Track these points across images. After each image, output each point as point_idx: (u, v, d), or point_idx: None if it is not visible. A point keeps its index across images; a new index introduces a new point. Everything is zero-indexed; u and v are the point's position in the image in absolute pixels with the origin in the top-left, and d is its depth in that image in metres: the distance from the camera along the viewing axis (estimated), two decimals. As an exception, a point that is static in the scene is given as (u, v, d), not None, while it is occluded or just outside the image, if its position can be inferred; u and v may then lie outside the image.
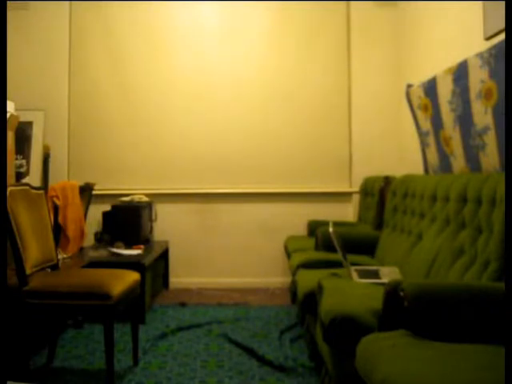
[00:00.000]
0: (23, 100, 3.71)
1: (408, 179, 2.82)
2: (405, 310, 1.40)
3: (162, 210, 3.98)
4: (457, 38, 2.83)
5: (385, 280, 2.08)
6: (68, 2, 4.03)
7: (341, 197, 4.09)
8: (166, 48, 4.07)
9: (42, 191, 2.40)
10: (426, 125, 2.79)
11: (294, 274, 2.73)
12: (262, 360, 2.38)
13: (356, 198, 4.03)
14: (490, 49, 2.06)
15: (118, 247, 3.35)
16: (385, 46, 4.03)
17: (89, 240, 3.68)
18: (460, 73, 2.31)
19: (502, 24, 2.22)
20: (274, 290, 3.94)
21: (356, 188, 4.02)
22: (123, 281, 2.18)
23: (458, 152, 2.44)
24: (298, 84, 4.08)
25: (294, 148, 4.08)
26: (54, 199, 3.09)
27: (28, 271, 2.10)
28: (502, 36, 2.18)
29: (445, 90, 2.48)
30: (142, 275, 2.72)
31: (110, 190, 3.95)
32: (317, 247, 3.04)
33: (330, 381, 1.87)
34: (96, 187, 3.71)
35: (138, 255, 3.18)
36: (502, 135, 2.02)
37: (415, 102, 2.88)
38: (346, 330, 1.58)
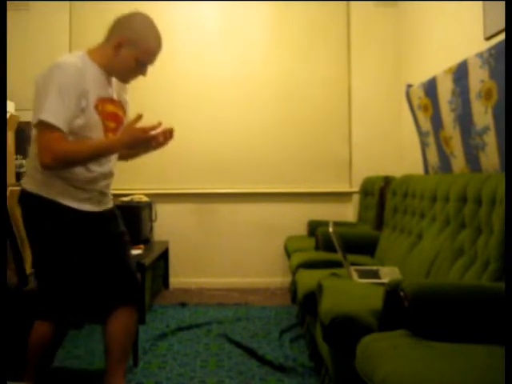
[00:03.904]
0: (23, 100, 3.70)
1: (408, 179, 2.82)
2: (405, 310, 1.40)
3: (161, 210, 3.98)
4: (457, 38, 2.83)
5: (385, 280, 2.07)
6: (68, 2, 4.03)
7: (341, 197, 4.09)
8: (165, 48, 4.06)
9: (42, 191, 2.40)
10: (426, 125, 2.79)
11: (294, 273, 2.73)
12: (262, 360, 2.38)
13: (356, 198, 4.03)
14: (490, 49, 2.06)
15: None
16: (385, 46, 4.03)
17: (89, 240, 3.68)
18: (460, 73, 2.31)
19: (502, 24, 2.22)
20: (274, 290, 3.94)
21: (356, 188, 4.02)
22: (123, 281, 2.18)
23: (458, 152, 2.44)
24: (298, 84, 4.08)
25: (294, 148, 4.08)
26: (54, 199, 3.08)
27: (28, 271, 2.10)
28: (502, 36, 2.17)
29: (445, 90, 2.48)
30: (142, 275, 2.72)
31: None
32: (317, 247, 3.04)
33: (330, 381, 1.87)
34: (96, 187, 3.71)
35: (138, 255, 3.18)
36: (502, 135, 2.02)
37: (415, 102, 2.88)
38: (346, 330, 1.58)
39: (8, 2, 3.58)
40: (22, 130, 3.64)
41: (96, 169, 1.75)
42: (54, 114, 1.56)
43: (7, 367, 1.73)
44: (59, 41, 4.03)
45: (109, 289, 1.79)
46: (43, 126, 1.57)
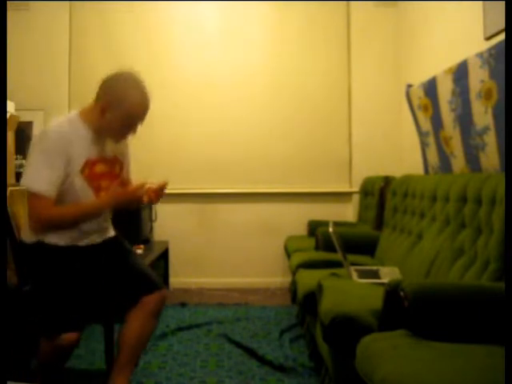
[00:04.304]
0: (23, 100, 3.71)
1: (408, 179, 2.82)
2: (405, 310, 1.40)
3: (162, 210, 3.98)
4: (457, 38, 2.83)
5: (385, 280, 2.07)
6: (68, 3, 4.03)
7: (341, 197, 4.09)
8: (166, 48, 4.07)
9: (42, 191, 2.40)
10: (426, 125, 2.79)
11: (294, 274, 2.73)
12: (262, 360, 2.38)
13: (356, 198, 4.03)
14: (490, 49, 2.06)
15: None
16: (385, 46, 4.03)
17: (89, 240, 3.68)
18: (460, 73, 2.31)
19: (502, 24, 2.22)
20: (274, 290, 3.94)
21: (356, 188, 4.02)
22: (123, 281, 2.18)
23: (458, 152, 2.44)
24: (298, 84, 4.08)
25: (294, 148, 4.08)
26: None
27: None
28: (502, 36, 2.17)
29: (445, 90, 2.48)
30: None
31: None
32: (317, 247, 3.04)
33: (330, 381, 1.87)
34: (96, 187, 3.71)
35: (138, 255, 3.18)
36: (502, 135, 2.02)
37: (415, 102, 2.88)
38: (346, 330, 1.58)
39: (8, 1, 3.58)
40: (22, 130, 3.64)
41: (83, 227, 1.79)
42: (39, 181, 1.63)
43: (7, 367, 1.73)
44: (59, 41, 4.03)
45: (129, 286, 1.82)
46: (29, 193, 1.66)
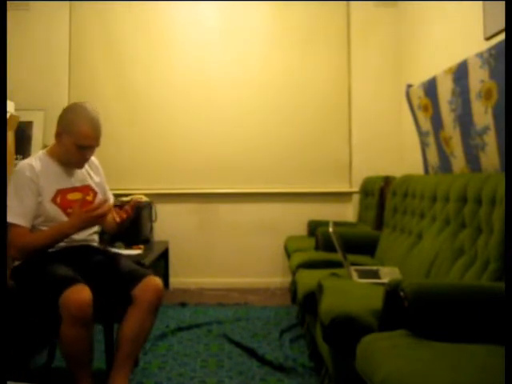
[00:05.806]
0: (23, 100, 3.71)
1: (408, 179, 2.82)
2: (405, 310, 1.40)
3: (161, 210, 3.98)
4: (457, 38, 2.83)
5: (385, 280, 2.07)
6: (68, 3, 4.03)
7: (341, 197, 4.09)
8: (166, 48, 4.07)
9: (42, 191, 2.42)
10: (426, 125, 2.79)
11: (294, 273, 2.73)
12: (262, 360, 2.37)
13: (356, 198, 4.03)
14: (490, 49, 2.06)
15: (117, 247, 3.34)
16: (385, 46, 4.03)
17: (89, 240, 3.67)
18: (460, 73, 2.31)
19: (502, 24, 2.22)
20: (274, 290, 3.94)
21: (356, 188, 4.02)
22: (123, 281, 2.19)
23: (458, 152, 2.44)
24: (298, 84, 4.08)
25: (295, 148, 4.08)
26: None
27: (28, 271, 2.10)
28: (502, 36, 2.18)
29: (445, 90, 2.48)
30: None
31: (110, 190, 3.94)
32: (317, 247, 3.04)
33: (330, 381, 1.87)
34: (96, 187, 3.71)
35: (138, 255, 3.18)
36: (502, 135, 2.03)
37: (415, 102, 2.88)
38: (346, 330, 1.58)
39: (8, 1, 3.58)
40: (22, 130, 3.64)
41: (72, 237, 1.95)
42: (14, 213, 1.84)
43: (7, 367, 1.73)
44: (59, 41, 4.03)
45: (119, 285, 1.90)
46: (8, 225, 1.84)
